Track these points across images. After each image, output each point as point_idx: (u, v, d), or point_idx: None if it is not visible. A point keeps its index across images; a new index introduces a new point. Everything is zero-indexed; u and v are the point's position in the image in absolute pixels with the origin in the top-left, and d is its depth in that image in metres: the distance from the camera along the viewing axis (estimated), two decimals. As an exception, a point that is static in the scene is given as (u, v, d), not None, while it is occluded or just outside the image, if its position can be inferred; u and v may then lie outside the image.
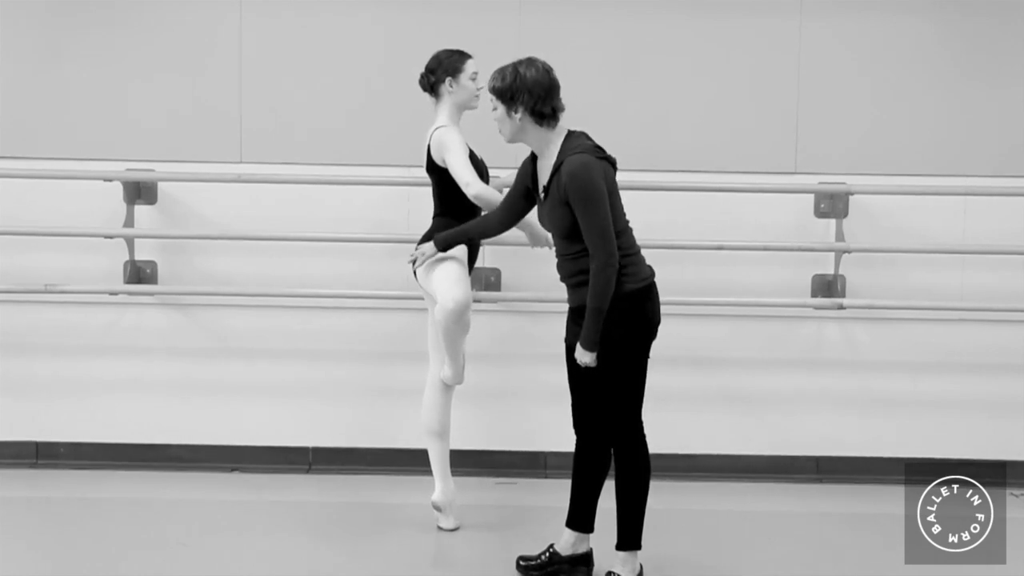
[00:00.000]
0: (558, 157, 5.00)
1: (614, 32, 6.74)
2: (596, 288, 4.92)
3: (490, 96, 5.13)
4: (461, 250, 5.77)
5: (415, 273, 5.82)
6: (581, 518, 5.37)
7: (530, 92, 5.01)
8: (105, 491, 6.60)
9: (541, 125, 5.06)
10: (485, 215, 5.61)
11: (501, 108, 5.08)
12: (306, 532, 5.91)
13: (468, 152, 5.73)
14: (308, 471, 6.98)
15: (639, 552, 5.22)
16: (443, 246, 5.63)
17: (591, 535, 5.41)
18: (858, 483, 6.87)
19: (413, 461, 6.71)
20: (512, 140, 5.17)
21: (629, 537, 5.19)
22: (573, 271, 5.09)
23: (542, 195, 5.15)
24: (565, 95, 5.13)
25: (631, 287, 5.02)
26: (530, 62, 5.10)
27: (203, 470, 6.93)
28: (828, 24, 6.81)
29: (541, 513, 6.12)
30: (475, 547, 5.80)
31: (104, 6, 6.85)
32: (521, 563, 5.41)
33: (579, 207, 4.90)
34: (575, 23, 6.78)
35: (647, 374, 5.18)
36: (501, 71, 5.10)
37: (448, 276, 5.65)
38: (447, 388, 5.94)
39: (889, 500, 6.30)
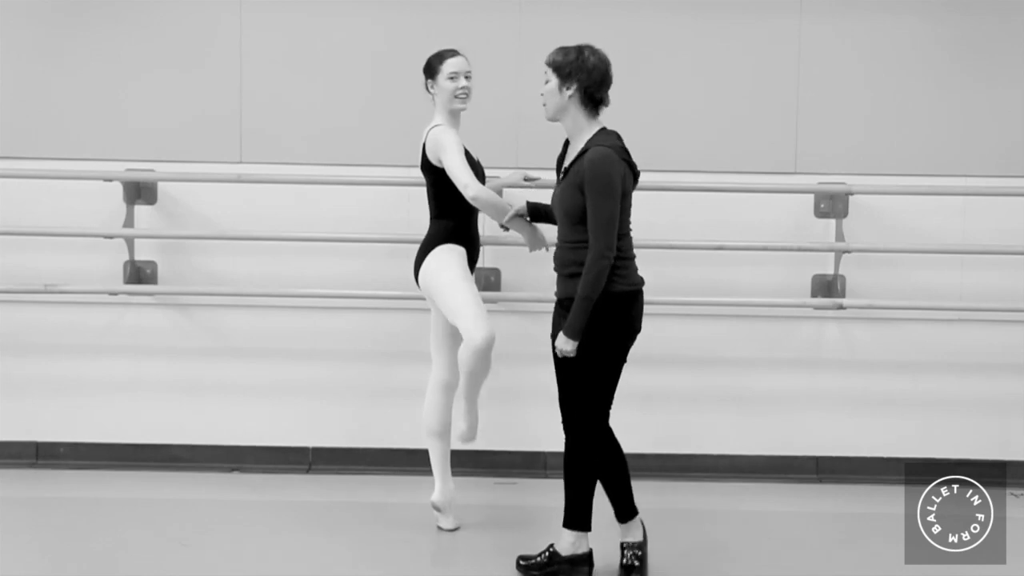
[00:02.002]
0: (587, 143, 5.09)
1: (614, 32, 6.74)
2: (588, 277, 5.00)
3: (545, 68, 5.20)
4: (465, 269, 5.78)
5: (416, 278, 5.82)
6: (578, 517, 5.38)
7: (589, 74, 5.11)
8: (105, 491, 6.60)
9: (584, 108, 5.15)
10: None
11: (554, 81, 5.16)
12: (306, 532, 5.91)
13: (464, 152, 5.71)
14: (308, 471, 6.98)
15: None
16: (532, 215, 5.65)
17: (589, 534, 5.42)
18: (858, 483, 6.88)
19: (413, 461, 6.72)
20: (553, 116, 5.23)
21: (622, 511, 5.33)
22: (568, 261, 5.16)
23: (563, 177, 5.22)
24: None
25: (622, 288, 5.11)
26: (594, 49, 5.18)
27: (203, 470, 6.94)
28: (828, 24, 6.81)
29: (541, 513, 6.11)
30: (475, 547, 5.80)
31: (104, 6, 6.86)
32: (521, 563, 5.42)
33: (591, 194, 5.00)
34: (575, 23, 6.77)
35: (620, 378, 5.27)
36: (565, 48, 5.18)
37: (468, 307, 5.65)
38: (448, 388, 5.95)
39: (889, 500, 6.32)
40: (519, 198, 6.53)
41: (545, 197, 6.30)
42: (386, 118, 6.82)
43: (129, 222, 6.80)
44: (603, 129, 5.20)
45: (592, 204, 5.00)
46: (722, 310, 6.83)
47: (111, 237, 6.77)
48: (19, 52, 6.88)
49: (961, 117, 6.83)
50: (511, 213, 5.57)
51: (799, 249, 6.75)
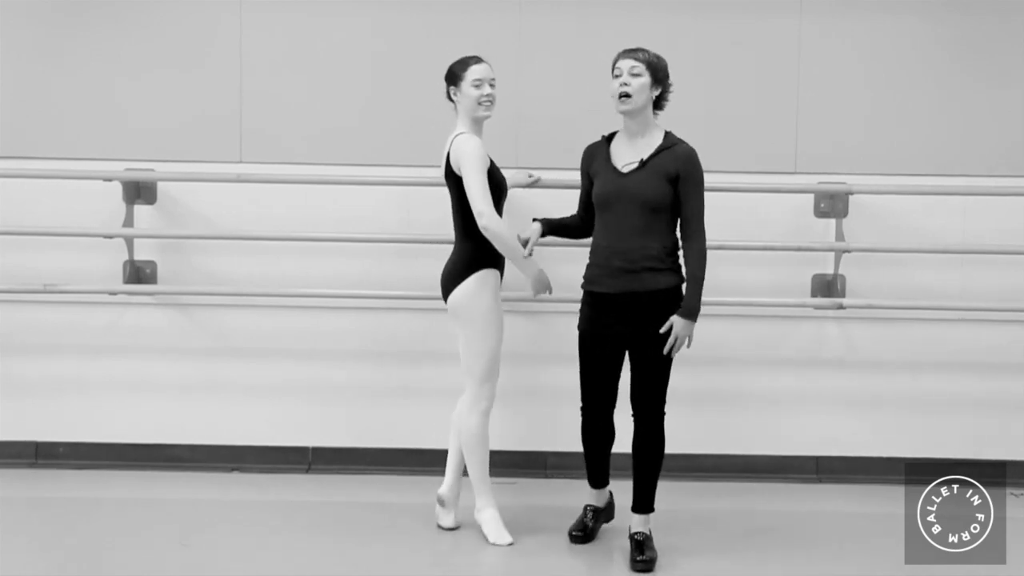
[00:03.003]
0: (666, 140, 5.52)
1: (614, 32, 6.70)
2: (701, 260, 5.45)
3: (635, 63, 5.46)
4: (499, 305, 5.77)
5: (446, 295, 5.77)
6: (603, 476, 5.88)
7: (669, 81, 5.60)
8: (105, 491, 6.59)
9: (653, 110, 5.58)
10: (575, 216, 5.82)
11: (648, 79, 5.48)
12: (306, 532, 5.91)
13: (488, 168, 5.63)
14: (308, 471, 6.98)
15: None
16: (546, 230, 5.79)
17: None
18: (858, 483, 6.88)
19: (413, 461, 6.74)
20: (634, 109, 5.47)
21: (646, 501, 5.68)
22: (639, 256, 5.44)
23: (628, 168, 5.48)
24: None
25: (676, 283, 5.53)
26: None
27: (203, 470, 6.93)
28: (828, 24, 6.81)
29: (542, 513, 6.17)
30: (475, 547, 5.78)
31: (104, 6, 6.86)
32: (574, 533, 5.83)
33: (694, 185, 5.47)
34: (575, 23, 6.79)
35: None
36: (647, 50, 5.54)
37: (485, 363, 5.73)
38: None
39: (889, 500, 6.32)
40: (518, 199, 6.57)
41: (543, 196, 6.33)
42: (386, 118, 6.82)
43: (129, 222, 6.80)
44: (667, 130, 5.61)
45: (695, 194, 5.46)
46: (722, 310, 6.79)
47: (111, 237, 6.77)
48: (19, 52, 6.88)
49: (961, 117, 6.83)
50: (524, 252, 5.63)
51: (799, 249, 6.74)
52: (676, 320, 5.41)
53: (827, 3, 6.81)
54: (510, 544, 5.75)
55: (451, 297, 5.73)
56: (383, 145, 6.80)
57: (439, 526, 5.99)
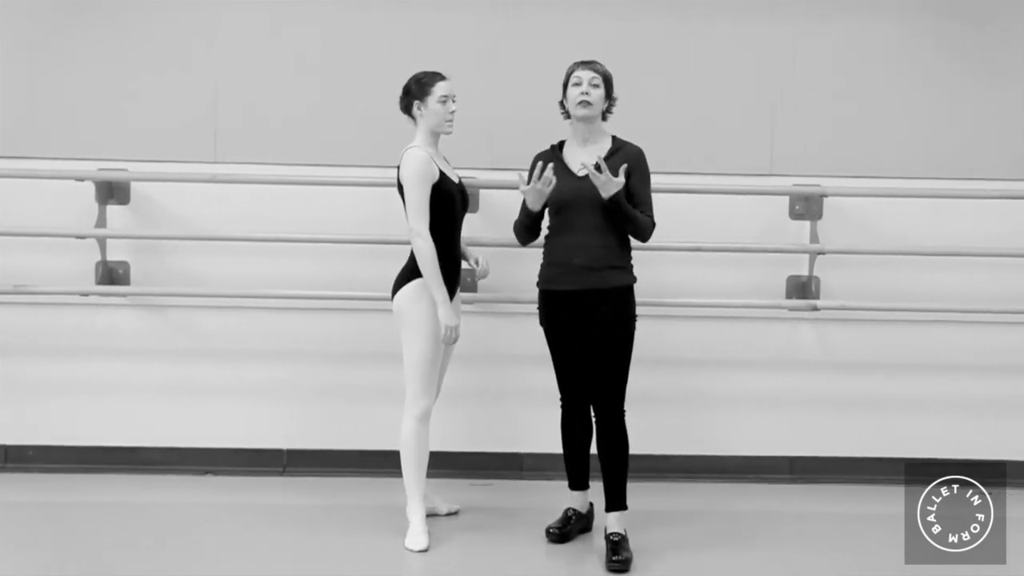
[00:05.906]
0: (615, 143, 5.76)
1: (589, 32, 6.74)
2: (649, 224, 5.68)
3: (594, 74, 5.72)
4: (433, 315, 5.74)
5: (392, 295, 5.80)
6: (582, 477, 6.02)
7: (615, 95, 5.86)
8: (76, 495, 6.50)
9: (604, 114, 5.82)
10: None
11: (603, 91, 5.76)
12: (280, 534, 5.88)
13: (434, 183, 5.67)
14: (282, 473, 6.94)
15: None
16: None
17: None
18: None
19: (388, 463, 6.67)
20: (592, 115, 5.72)
21: (618, 499, 5.77)
22: (601, 255, 5.62)
23: (583, 171, 5.61)
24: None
25: (632, 282, 5.72)
26: None
27: (176, 473, 6.87)
28: (803, 27, 6.87)
29: (517, 514, 6.20)
30: (450, 549, 5.77)
31: (78, 6, 6.78)
32: (551, 530, 5.90)
33: (644, 181, 5.70)
34: (549, 23, 6.80)
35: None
36: (600, 63, 5.80)
37: (419, 369, 5.74)
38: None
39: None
40: (493, 199, 6.58)
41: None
42: (362, 118, 6.79)
43: (101, 222, 6.73)
44: (613, 134, 5.85)
45: (645, 188, 5.69)
46: (697, 311, 6.86)
47: (83, 237, 6.69)
48: (-8, 52, 6.80)
49: (933, 121, 6.91)
50: (443, 295, 5.69)
51: (774, 251, 6.80)
52: (613, 180, 5.46)
53: (804, 7, 6.86)
54: (423, 550, 5.71)
55: (394, 300, 5.79)
56: (360, 145, 6.77)
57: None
